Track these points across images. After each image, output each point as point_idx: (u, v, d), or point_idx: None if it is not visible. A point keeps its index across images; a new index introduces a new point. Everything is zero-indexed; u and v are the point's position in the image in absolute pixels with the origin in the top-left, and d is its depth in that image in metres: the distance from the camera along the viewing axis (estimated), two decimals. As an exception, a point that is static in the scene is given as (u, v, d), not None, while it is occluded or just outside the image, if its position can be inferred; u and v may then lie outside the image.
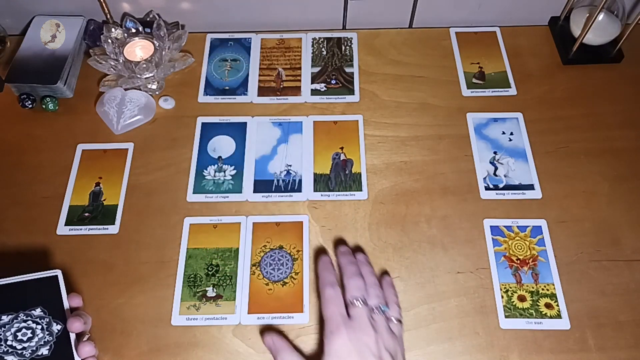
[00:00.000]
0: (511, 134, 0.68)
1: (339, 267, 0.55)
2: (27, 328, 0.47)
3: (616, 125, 0.69)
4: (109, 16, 0.76)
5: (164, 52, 0.72)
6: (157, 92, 0.72)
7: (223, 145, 0.68)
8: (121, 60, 0.70)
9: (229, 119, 0.70)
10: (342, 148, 0.67)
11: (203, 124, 0.70)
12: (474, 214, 0.62)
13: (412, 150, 0.67)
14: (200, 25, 0.78)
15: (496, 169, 0.66)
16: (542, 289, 0.57)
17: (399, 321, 0.52)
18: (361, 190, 0.64)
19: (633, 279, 0.58)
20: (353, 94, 0.72)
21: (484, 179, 0.65)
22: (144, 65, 0.70)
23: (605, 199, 0.63)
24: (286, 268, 0.59)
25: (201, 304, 0.57)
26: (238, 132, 0.69)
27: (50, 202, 0.63)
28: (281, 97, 0.72)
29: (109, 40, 0.70)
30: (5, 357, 0.47)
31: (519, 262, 0.59)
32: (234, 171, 0.66)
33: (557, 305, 0.56)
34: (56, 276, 0.49)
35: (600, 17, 0.72)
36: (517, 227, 0.61)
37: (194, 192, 0.64)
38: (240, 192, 0.64)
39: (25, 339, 0.47)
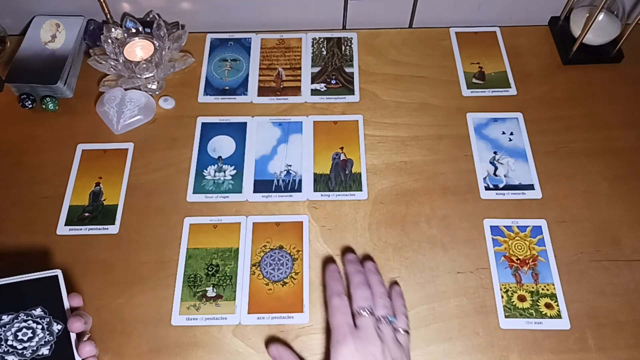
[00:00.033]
0: (511, 134, 0.68)
1: (346, 275, 0.55)
2: (28, 328, 0.47)
3: (616, 125, 0.69)
4: (109, 16, 0.76)
5: (164, 52, 0.72)
6: (157, 92, 0.72)
7: (223, 145, 0.68)
8: (121, 60, 0.70)
9: (229, 119, 0.70)
10: (342, 148, 0.67)
11: (203, 124, 0.70)
12: (474, 214, 0.62)
13: (412, 150, 0.67)
14: (200, 25, 0.78)
15: (496, 169, 0.66)
16: (542, 289, 0.57)
17: (406, 332, 0.51)
18: (361, 190, 0.64)
19: (633, 279, 0.58)
20: (353, 94, 0.72)
21: (484, 179, 0.65)
22: (144, 65, 0.70)
23: (605, 199, 0.63)
24: (286, 268, 0.59)
25: (201, 304, 0.57)
26: (238, 132, 0.69)
27: (50, 202, 0.63)
28: (281, 97, 0.72)
29: (109, 40, 0.70)
30: (6, 357, 0.47)
31: (519, 262, 0.59)
32: (234, 171, 0.66)
33: (557, 305, 0.56)
34: (56, 276, 0.49)
35: (600, 17, 0.72)
36: (517, 227, 0.61)
37: (194, 192, 0.64)
38: (240, 192, 0.64)
39: (25, 338, 0.47)
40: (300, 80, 0.74)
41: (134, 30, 0.73)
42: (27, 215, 0.62)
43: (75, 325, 0.48)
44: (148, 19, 0.76)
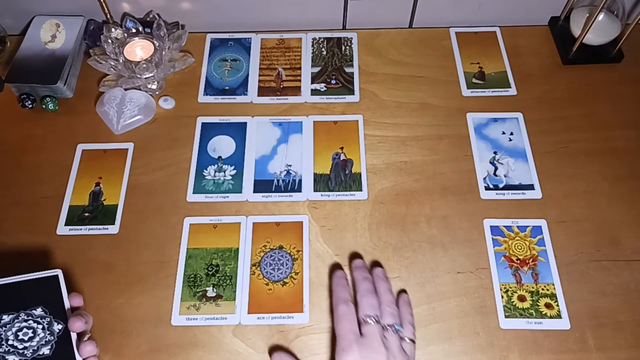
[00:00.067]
0: (511, 134, 0.68)
1: (353, 282, 0.55)
2: (28, 328, 0.47)
3: (616, 125, 0.69)
4: (109, 16, 0.76)
5: (164, 52, 0.72)
6: (157, 92, 0.72)
7: (223, 145, 0.68)
8: (121, 60, 0.70)
9: (229, 119, 0.70)
10: (342, 148, 0.67)
11: (203, 124, 0.70)
12: (474, 214, 0.62)
13: (412, 150, 0.67)
14: (200, 25, 0.78)
15: (496, 169, 0.66)
16: (542, 289, 0.57)
17: (412, 341, 0.51)
18: (361, 190, 0.64)
19: (633, 279, 0.58)
20: (353, 94, 0.72)
21: (484, 179, 0.65)
22: (144, 65, 0.70)
23: (605, 199, 0.63)
24: (286, 268, 0.59)
25: (201, 304, 0.57)
26: (238, 132, 0.69)
27: (50, 202, 0.63)
28: (281, 97, 0.72)
29: (109, 40, 0.70)
30: (7, 357, 0.47)
31: (519, 262, 0.59)
32: (234, 171, 0.66)
33: (557, 305, 0.56)
34: (57, 276, 0.49)
35: (600, 17, 0.72)
36: (517, 227, 0.61)
37: (194, 192, 0.64)
38: (240, 192, 0.64)
39: (26, 338, 0.47)
40: (300, 80, 0.74)
41: (134, 30, 0.73)
42: (27, 215, 0.62)
43: (76, 325, 0.48)
44: (148, 19, 0.76)
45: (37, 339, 0.47)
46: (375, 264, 0.59)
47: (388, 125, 0.69)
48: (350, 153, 0.67)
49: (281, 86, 0.73)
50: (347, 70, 0.75)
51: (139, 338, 0.55)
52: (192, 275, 0.59)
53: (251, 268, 0.59)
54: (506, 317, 0.56)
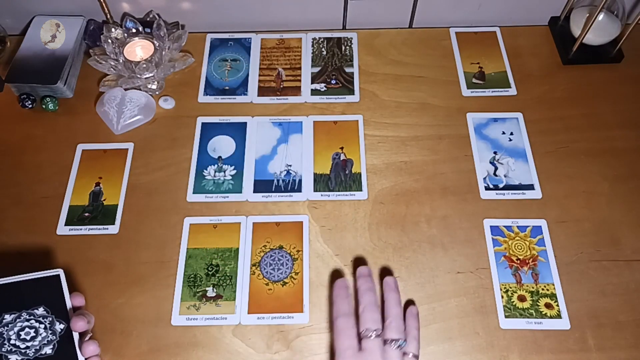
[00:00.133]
0: (511, 134, 0.68)
1: (356, 291, 0.53)
2: (30, 327, 0.47)
3: (616, 125, 0.69)
4: (109, 16, 0.76)
5: (164, 52, 0.72)
6: (157, 92, 0.72)
7: (223, 145, 0.68)
8: (121, 60, 0.70)
9: (229, 119, 0.70)
10: (342, 148, 0.67)
11: (203, 124, 0.70)
12: (474, 214, 0.62)
13: (412, 150, 0.67)
14: (200, 25, 0.78)
15: (496, 169, 0.66)
16: (542, 289, 0.57)
17: (416, 357, 0.49)
18: (361, 190, 0.64)
19: (633, 279, 0.58)
20: (353, 94, 0.72)
21: (484, 179, 0.65)
22: (144, 65, 0.70)
23: (605, 199, 0.63)
24: (286, 268, 0.59)
25: (201, 304, 0.57)
26: (238, 132, 0.69)
27: (50, 202, 0.63)
28: (281, 97, 0.72)
29: (109, 40, 0.70)
30: (9, 356, 0.47)
31: (519, 262, 0.59)
32: (234, 171, 0.66)
33: (557, 305, 0.56)
34: (58, 275, 0.49)
35: (600, 17, 0.72)
36: (517, 227, 0.61)
37: (194, 192, 0.64)
38: (240, 192, 0.64)
39: (28, 338, 0.47)
40: (300, 80, 0.74)
41: (134, 30, 0.73)
42: (27, 215, 0.62)
43: (79, 325, 0.48)
44: (148, 19, 0.76)
45: (40, 338, 0.47)
46: (385, 270, 0.58)
47: (388, 125, 0.69)
48: (350, 153, 0.67)
49: (281, 86, 0.73)
50: (347, 70, 0.75)
51: (139, 338, 0.55)
52: (192, 275, 0.59)
53: (251, 268, 0.59)
54: (506, 317, 0.56)
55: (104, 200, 0.64)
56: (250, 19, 0.78)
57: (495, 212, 0.62)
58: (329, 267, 0.59)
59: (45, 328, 0.48)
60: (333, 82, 0.73)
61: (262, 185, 0.65)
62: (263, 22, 0.78)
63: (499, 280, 0.58)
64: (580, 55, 0.74)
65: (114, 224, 0.62)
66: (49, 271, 0.49)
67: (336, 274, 0.58)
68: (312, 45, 0.77)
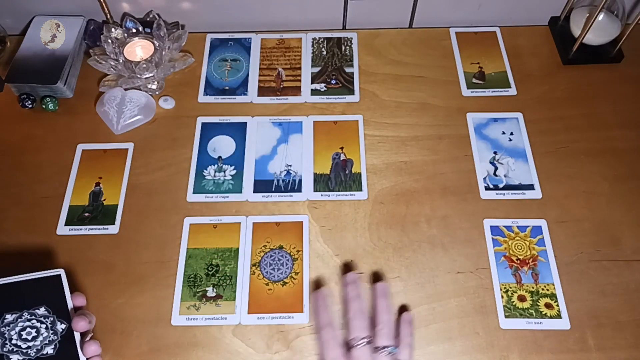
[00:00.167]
0: (511, 134, 0.68)
1: (344, 299, 0.53)
2: (32, 327, 0.48)
3: (616, 125, 0.69)
4: (109, 16, 0.76)
5: (164, 52, 0.72)
6: (157, 92, 0.72)
7: (223, 145, 0.68)
8: (121, 60, 0.70)
9: (229, 119, 0.70)
10: (342, 148, 0.67)
11: (203, 124, 0.70)
12: (474, 214, 0.62)
13: (412, 150, 0.67)
14: (200, 25, 0.78)
15: (496, 169, 0.66)
16: (542, 289, 0.57)
17: None
18: (361, 190, 0.64)
19: (633, 279, 0.58)
20: (353, 94, 0.72)
21: (484, 179, 0.65)
22: (144, 65, 0.70)
23: (605, 199, 0.63)
24: (286, 268, 0.59)
25: (201, 304, 0.57)
26: (238, 132, 0.69)
27: (50, 202, 0.63)
28: (281, 97, 0.72)
29: (109, 40, 0.70)
30: (10, 356, 0.47)
31: (519, 262, 0.59)
32: (234, 171, 0.66)
33: (557, 305, 0.56)
34: (59, 275, 0.49)
35: (600, 17, 0.72)
36: (517, 227, 0.61)
37: (194, 192, 0.64)
38: (240, 192, 0.64)
39: (30, 337, 0.47)
40: (300, 80, 0.74)
41: (134, 30, 0.73)
42: (27, 215, 0.62)
43: (80, 325, 0.48)
44: (148, 19, 0.76)
45: (41, 338, 0.47)
46: (378, 274, 0.58)
47: (388, 125, 0.69)
48: (350, 153, 0.67)
49: (281, 86, 0.73)
50: (347, 70, 0.75)
51: (139, 338, 0.55)
52: (192, 275, 0.59)
53: (251, 268, 0.59)
54: (506, 317, 0.56)
55: (104, 200, 0.64)
56: (250, 19, 0.78)
57: (495, 212, 0.62)
58: (329, 267, 0.59)
59: (46, 328, 0.48)
60: (333, 82, 0.73)
61: (262, 185, 0.65)
62: (263, 22, 0.78)
63: (499, 280, 0.58)
64: (580, 55, 0.74)
65: (114, 224, 0.62)
66: (50, 271, 0.49)
67: (317, 284, 0.58)
68: (312, 45, 0.77)
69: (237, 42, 0.77)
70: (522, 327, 0.55)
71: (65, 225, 0.62)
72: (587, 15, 0.73)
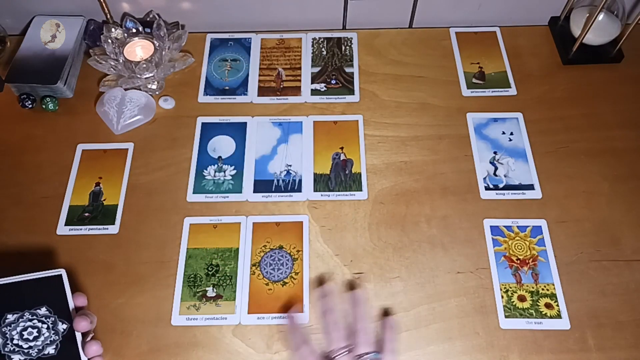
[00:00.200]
0: (511, 134, 0.68)
1: (319, 313, 0.54)
2: (33, 327, 0.48)
3: (616, 125, 0.69)
4: (109, 16, 0.76)
5: (164, 52, 0.72)
6: (157, 92, 0.72)
7: (223, 145, 0.68)
8: (121, 60, 0.70)
9: (229, 119, 0.70)
10: (342, 148, 0.67)
11: (203, 124, 0.70)
12: (474, 214, 0.62)
13: (412, 150, 0.67)
14: (200, 25, 0.78)
15: (496, 169, 0.66)
16: (542, 289, 0.57)
17: None
18: (361, 190, 0.64)
19: (633, 279, 0.58)
20: (353, 94, 0.72)
21: (484, 179, 0.65)
22: (144, 65, 0.70)
23: (605, 199, 0.63)
24: (286, 268, 0.59)
25: (201, 304, 0.57)
26: (238, 132, 0.69)
27: (50, 202, 0.63)
28: (281, 97, 0.72)
29: (109, 40, 0.70)
30: (12, 356, 0.47)
31: (519, 262, 0.59)
32: (234, 171, 0.66)
33: (557, 305, 0.56)
34: (60, 275, 0.49)
35: (600, 17, 0.72)
36: (517, 227, 0.61)
37: (194, 192, 0.64)
38: (240, 192, 0.64)
39: (31, 338, 0.47)
40: (300, 80, 0.74)
41: (134, 30, 0.73)
42: (27, 215, 0.62)
43: (82, 325, 0.48)
44: (148, 19, 0.76)
45: (42, 338, 0.47)
46: (355, 286, 0.57)
47: (388, 125, 0.69)
48: (350, 153, 0.67)
49: (281, 86, 0.73)
50: (347, 70, 0.75)
51: (139, 338, 0.55)
52: (192, 275, 0.59)
53: (251, 268, 0.59)
54: (506, 317, 0.56)
55: (104, 200, 0.64)
56: (250, 19, 0.78)
57: (495, 212, 0.62)
58: (329, 267, 0.59)
59: (47, 328, 0.48)
60: (333, 82, 0.73)
61: (262, 185, 0.65)
62: (263, 22, 0.78)
63: (499, 280, 0.58)
64: (580, 55, 0.74)
65: (114, 224, 0.62)
66: (51, 271, 0.49)
67: (287, 309, 0.58)
68: (312, 45, 0.77)
69: (237, 42, 0.77)
70: (522, 327, 0.55)
71: (65, 225, 0.62)
72: (587, 15, 0.73)
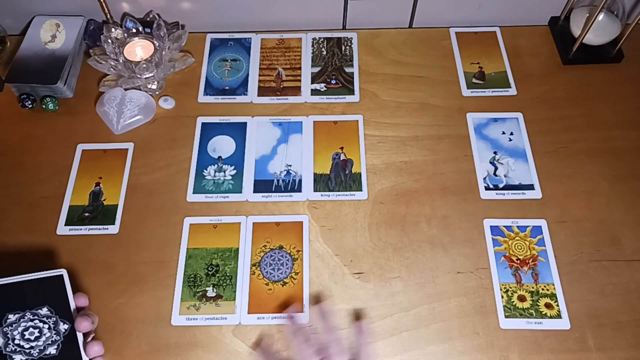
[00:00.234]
0: (511, 134, 0.68)
1: (290, 335, 0.54)
2: (34, 327, 0.48)
3: (616, 125, 0.69)
4: (109, 16, 0.76)
5: (164, 52, 0.72)
6: (157, 92, 0.72)
7: (223, 145, 0.68)
8: (121, 60, 0.70)
9: (229, 119, 0.70)
10: (342, 148, 0.67)
11: (203, 124, 0.70)
12: (474, 214, 0.62)
13: (412, 150, 0.67)
14: (200, 25, 0.78)
15: (496, 169, 0.66)
16: (542, 289, 0.57)
17: None
18: (361, 190, 0.64)
19: (633, 279, 0.58)
20: (353, 94, 0.72)
21: (484, 179, 0.65)
22: (144, 65, 0.70)
23: (605, 199, 0.63)
24: (286, 268, 0.59)
25: (201, 304, 0.57)
26: (238, 132, 0.69)
27: (50, 202, 0.63)
28: (281, 97, 0.72)
29: (109, 40, 0.70)
30: (14, 356, 0.47)
31: (519, 262, 0.59)
32: (234, 171, 0.66)
33: (557, 305, 0.56)
34: (61, 275, 0.49)
35: (600, 17, 0.72)
36: (517, 227, 0.61)
37: (194, 192, 0.64)
38: (240, 192, 0.64)
39: (32, 338, 0.47)
40: (300, 80, 0.74)
41: (134, 30, 0.73)
42: (27, 215, 0.62)
43: (83, 325, 0.48)
44: (148, 19, 0.76)
45: (44, 338, 0.47)
46: (321, 299, 0.57)
47: (388, 125, 0.69)
48: (350, 153, 0.67)
49: (281, 86, 0.73)
50: (347, 70, 0.75)
51: (139, 338, 0.55)
52: (192, 275, 0.59)
53: (251, 268, 0.59)
54: (506, 317, 0.56)
55: (104, 200, 0.64)
56: (250, 19, 0.78)
57: (495, 212, 0.62)
58: (329, 267, 0.59)
59: (49, 328, 0.48)
60: (333, 82, 0.73)
61: (262, 185, 0.65)
62: (263, 22, 0.78)
63: (499, 280, 0.58)
64: (580, 55, 0.74)
65: (114, 224, 0.62)
66: (52, 271, 0.49)
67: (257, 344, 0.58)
68: (312, 45, 0.77)
69: (237, 42, 0.77)
70: (522, 327, 0.55)
71: (65, 225, 0.62)
72: (587, 15, 0.73)
